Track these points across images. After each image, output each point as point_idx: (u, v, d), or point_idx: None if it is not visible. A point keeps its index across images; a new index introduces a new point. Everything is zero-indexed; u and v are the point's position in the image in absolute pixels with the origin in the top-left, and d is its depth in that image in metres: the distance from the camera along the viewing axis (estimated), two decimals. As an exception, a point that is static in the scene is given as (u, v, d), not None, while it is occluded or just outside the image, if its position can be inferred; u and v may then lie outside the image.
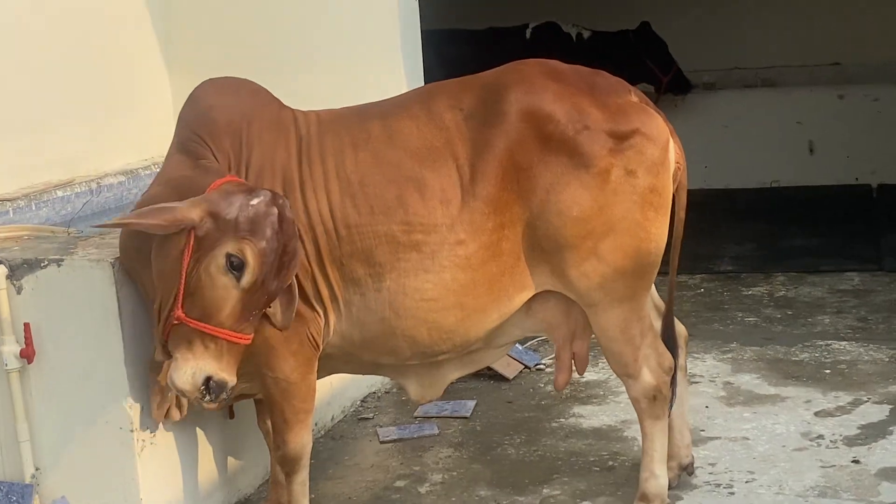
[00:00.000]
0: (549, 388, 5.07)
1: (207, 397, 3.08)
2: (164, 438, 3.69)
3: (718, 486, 4.00)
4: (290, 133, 3.56)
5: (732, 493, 3.94)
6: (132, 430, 3.56)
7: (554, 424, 4.66)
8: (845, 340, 5.40)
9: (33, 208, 4.65)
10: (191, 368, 3.07)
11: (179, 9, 5.59)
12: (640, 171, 3.53)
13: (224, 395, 3.09)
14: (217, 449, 3.96)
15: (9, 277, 3.57)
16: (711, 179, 8.52)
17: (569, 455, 4.36)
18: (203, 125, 3.51)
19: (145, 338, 3.56)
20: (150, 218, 3.06)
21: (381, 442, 4.61)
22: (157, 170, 5.24)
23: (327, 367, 3.68)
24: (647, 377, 3.71)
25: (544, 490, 4.07)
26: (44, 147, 4.90)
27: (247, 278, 3.06)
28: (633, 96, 3.64)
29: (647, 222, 3.57)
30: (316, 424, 4.52)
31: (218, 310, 3.06)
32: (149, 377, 3.51)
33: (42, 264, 3.56)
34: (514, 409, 4.86)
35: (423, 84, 5.41)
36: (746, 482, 4.01)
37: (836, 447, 4.24)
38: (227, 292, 3.06)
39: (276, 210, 3.10)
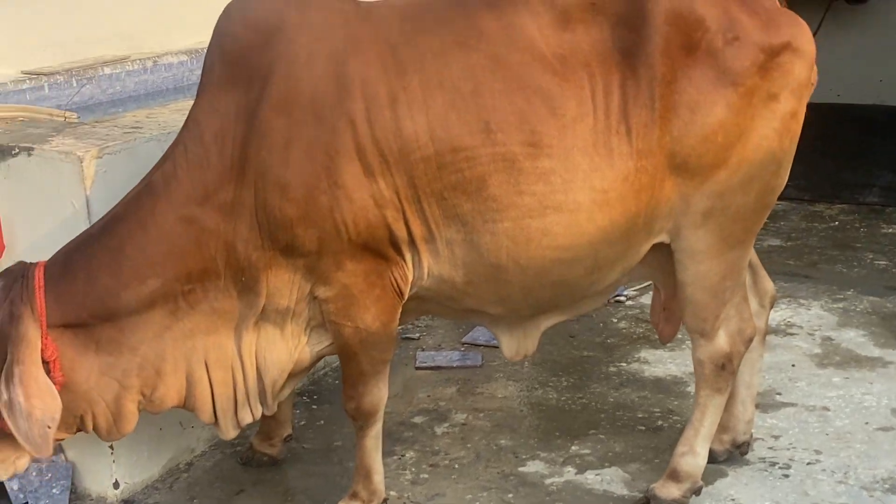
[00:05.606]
0: (623, 324, 4.52)
1: None
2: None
3: (774, 465, 3.41)
4: (364, 32, 2.85)
5: (786, 476, 3.35)
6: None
7: (611, 369, 4.13)
8: (985, 299, 4.62)
9: (74, 84, 4.36)
10: None
11: None
12: (783, 94, 2.92)
13: None
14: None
15: (-19, 164, 3.27)
16: (886, 95, 7.54)
17: (615, 408, 3.83)
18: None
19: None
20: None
21: (416, 368, 4.19)
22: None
23: (419, 309, 3.17)
24: (722, 341, 3.14)
25: (573, 447, 3.57)
26: (98, 20, 4.59)
27: None
28: None
29: (781, 154, 2.97)
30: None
31: None
32: None
33: (13, 152, 3.23)
34: (573, 346, 4.33)
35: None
36: (808, 464, 3.41)
37: (930, 432, 3.58)
38: None
39: None
